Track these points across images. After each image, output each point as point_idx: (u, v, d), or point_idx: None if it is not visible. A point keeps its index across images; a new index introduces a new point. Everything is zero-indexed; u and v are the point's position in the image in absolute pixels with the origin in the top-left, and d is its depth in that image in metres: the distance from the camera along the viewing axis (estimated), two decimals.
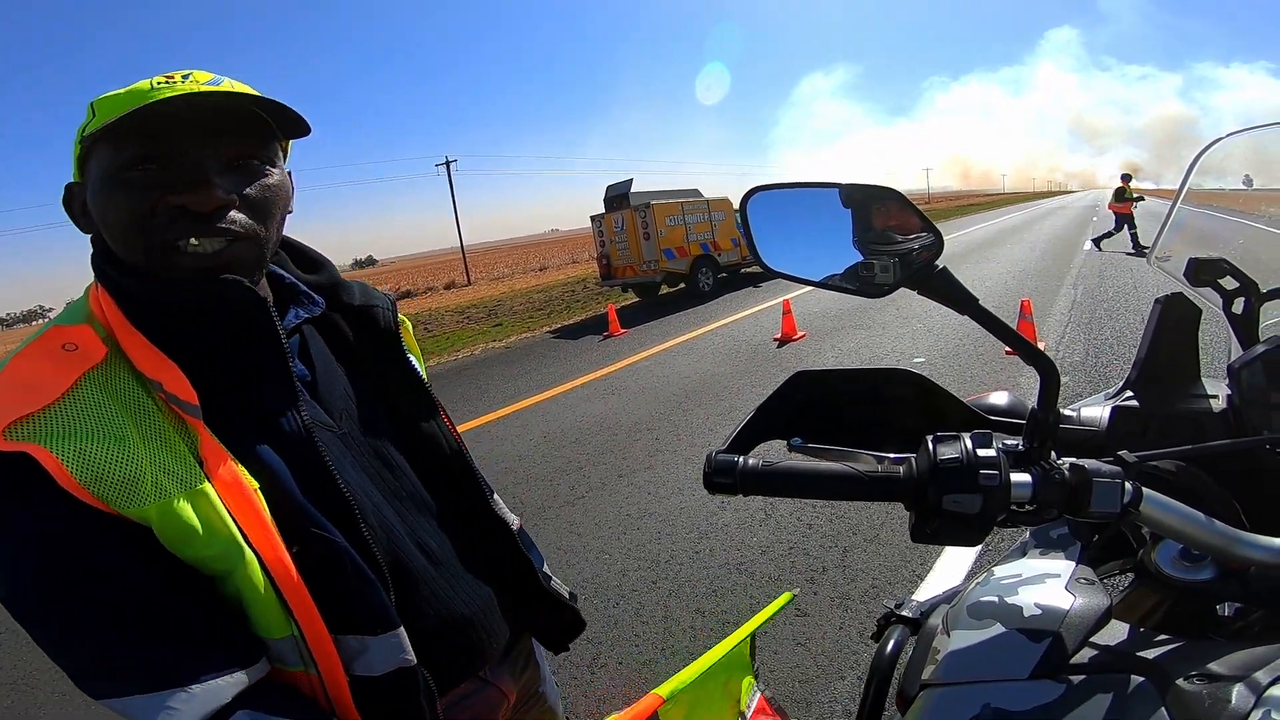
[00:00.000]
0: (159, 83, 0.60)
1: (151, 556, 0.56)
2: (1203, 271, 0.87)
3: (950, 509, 0.52)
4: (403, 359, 0.81)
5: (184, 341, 0.62)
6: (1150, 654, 0.56)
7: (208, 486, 0.57)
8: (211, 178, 0.60)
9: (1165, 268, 0.95)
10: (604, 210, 13.54)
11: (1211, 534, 0.56)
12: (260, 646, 0.60)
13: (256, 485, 0.60)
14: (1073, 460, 0.57)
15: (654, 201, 12.65)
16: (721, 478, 0.59)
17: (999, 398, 0.83)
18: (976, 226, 27.41)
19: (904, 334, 6.84)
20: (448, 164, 39.54)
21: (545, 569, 0.89)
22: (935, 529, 0.54)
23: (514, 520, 0.87)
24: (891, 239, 0.62)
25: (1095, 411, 0.82)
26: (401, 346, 0.82)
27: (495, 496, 0.86)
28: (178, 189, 0.59)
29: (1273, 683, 0.47)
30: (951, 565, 2.61)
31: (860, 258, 0.63)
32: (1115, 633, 0.59)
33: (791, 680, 2.13)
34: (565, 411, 5.79)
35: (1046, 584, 0.63)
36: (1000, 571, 0.67)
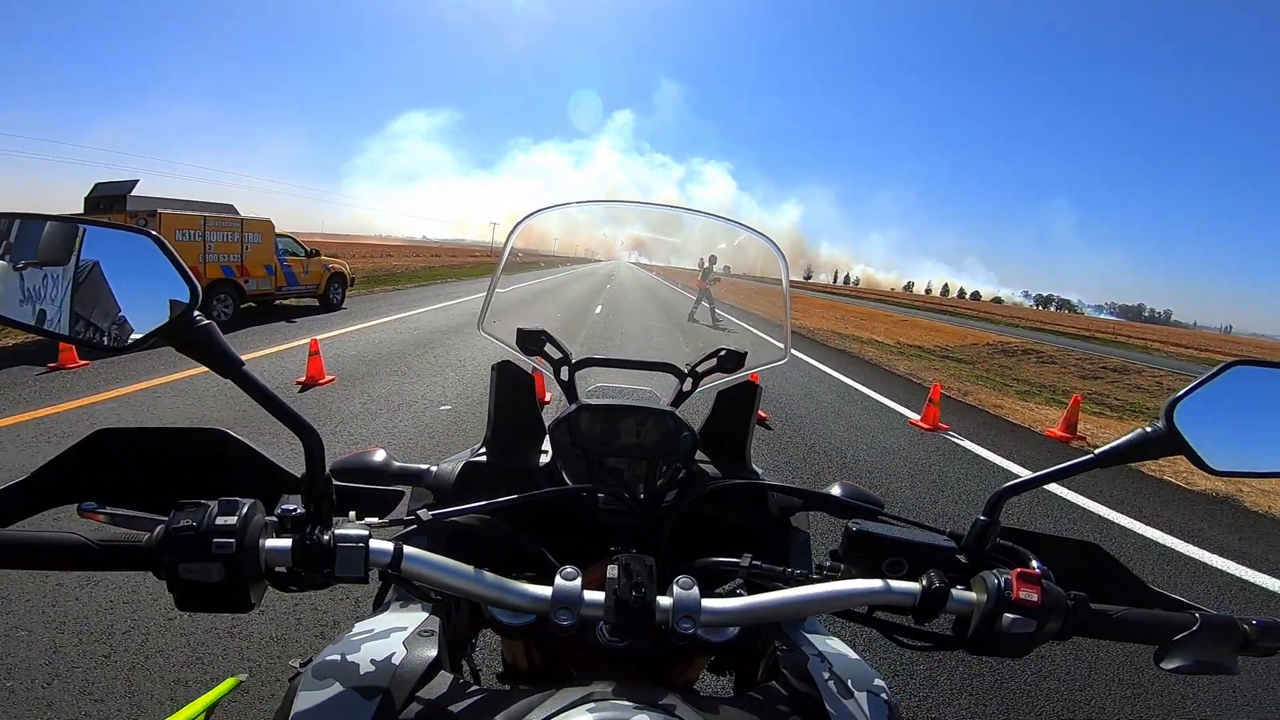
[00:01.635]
0: None
1: None
2: (527, 342, 0.93)
3: (187, 577, 0.51)
4: None
5: None
6: (458, 706, 0.57)
7: None
8: None
9: (495, 336, 1.00)
10: (83, 211, 10.28)
11: (477, 585, 0.59)
12: None
13: None
14: (342, 523, 0.58)
15: (164, 210, 10.32)
16: None
17: (376, 455, 0.85)
18: (528, 284, 30.82)
19: (437, 382, 7.20)
20: None
21: None
22: (183, 597, 0.52)
23: None
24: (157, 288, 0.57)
25: (449, 467, 0.86)
26: None
27: None
28: None
29: None
30: None
31: (131, 307, 0.57)
32: (439, 685, 0.59)
33: None
34: None
35: (390, 639, 0.62)
36: (358, 627, 0.66)
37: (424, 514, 0.65)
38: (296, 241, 13.60)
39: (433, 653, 0.61)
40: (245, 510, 0.54)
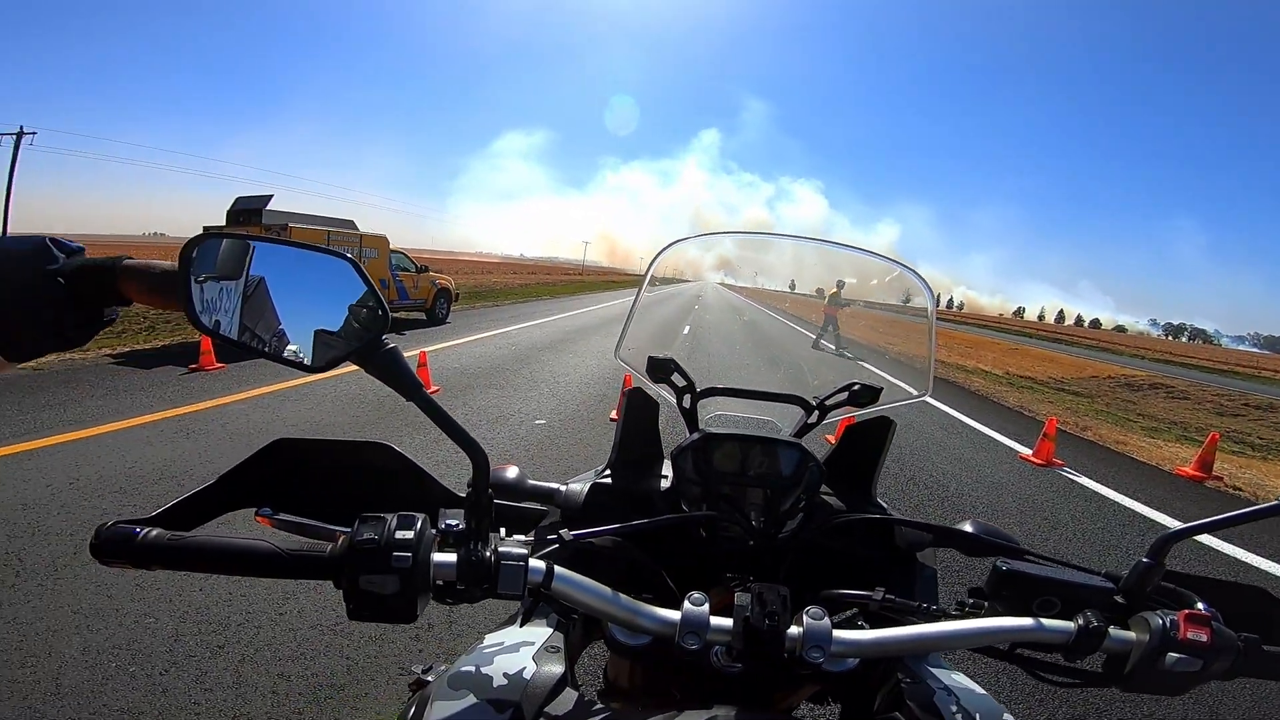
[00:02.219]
0: None
1: None
2: (656, 370, 0.95)
3: (366, 589, 0.53)
4: None
5: None
6: None
7: None
8: None
9: (627, 363, 1.03)
10: (224, 224, 11.45)
11: (615, 608, 0.61)
12: None
13: None
14: (502, 540, 0.60)
15: (293, 224, 11.28)
16: (114, 547, 0.55)
17: (510, 472, 0.88)
18: (613, 302, 31.59)
19: (532, 396, 7.36)
20: (18, 135, 28.48)
21: None
22: (358, 608, 0.54)
23: None
24: (354, 310, 0.60)
25: (578, 487, 0.88)
26: None
27: None
28: None
29: None
30: None
31: (322, 326, 0.61)
32: (566, 702, 0.61)
33: None
34: (112, 454, 4.51)
35: (519, 653, 0.64)
36: (489, 639, 0.68)
37: (565, 534, 0.65)
38: (408, 257, 14.47)
39: (560, 669, 0.62)
40: (419, 525, 0.56)
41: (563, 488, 0.88)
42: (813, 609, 0.62)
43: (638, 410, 0.95)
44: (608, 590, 0.61)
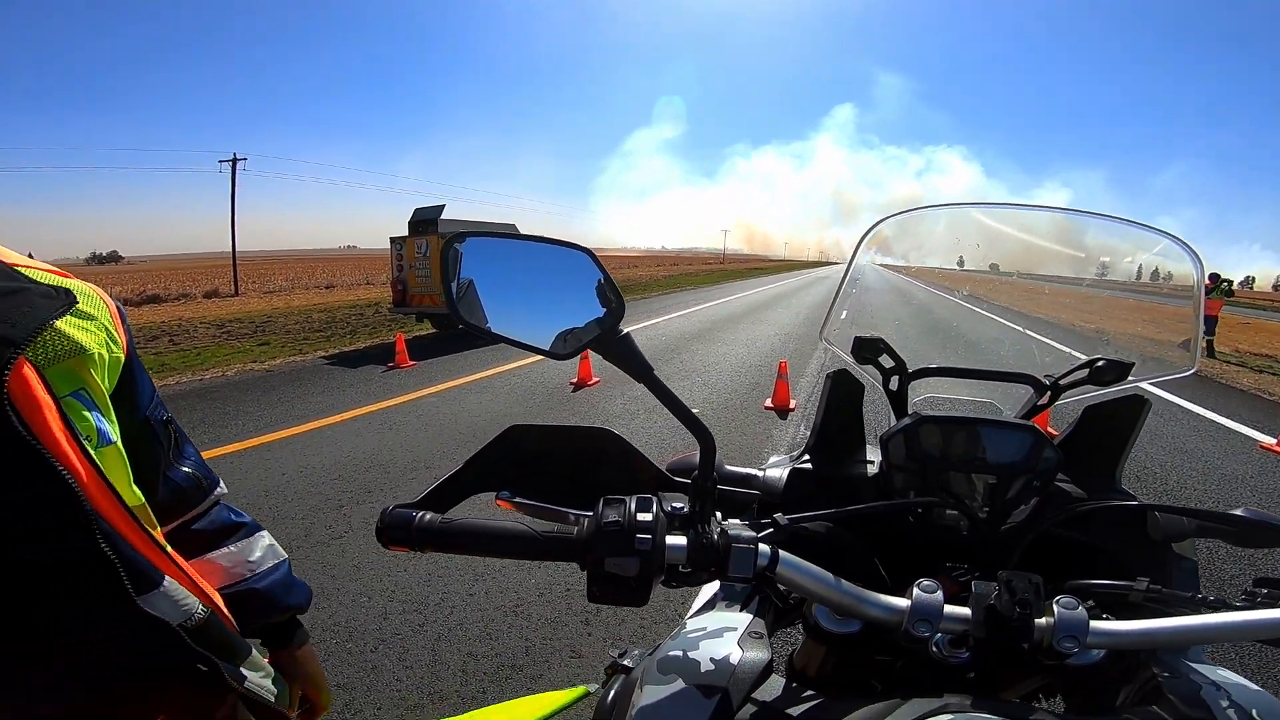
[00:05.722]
0: None
1: None
2: (864, 350, 0.93)
3: (611, 571, 0.54)
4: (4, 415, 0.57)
5: None
6: (796, 710, 0.60)
7: None
8: None
9: (833, 345, 1.02)
10: (407, 234, 12.82)
11: (838, 594, 0.61)
12: None
13: None
14: (725, 524, 0.60)
15: (464, 232, 12.33)
16: (396, 532, 0.59)
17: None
18: (757, 290, 31.08)
19: (684, 386, 7.39)
20: (234, 162, 34.50)
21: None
22: (600, 589, 0.55)
23: None
24: (587, 300, 0.63)
25: (777, 473, 0.87)
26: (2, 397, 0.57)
27: None
28: None
29: None
30: None
31: (561, 317, 0.64)
32: (773, 688, 0.62)
33: None
34: (330, 445, 5.19)
35: (724, 638, 0.64)
36: (691, 624, 0.68)
37: (780, 518, 0.64)
38: None
39: (766, 655, 0.61)
40: (655, 507, 0.57)
41: (759, 473, 0.88)
42: (1064, 598, 0.60)
43: (842, 393, 0.92)
44: (830, 575, 0.61)
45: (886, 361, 0.93)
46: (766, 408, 6.37)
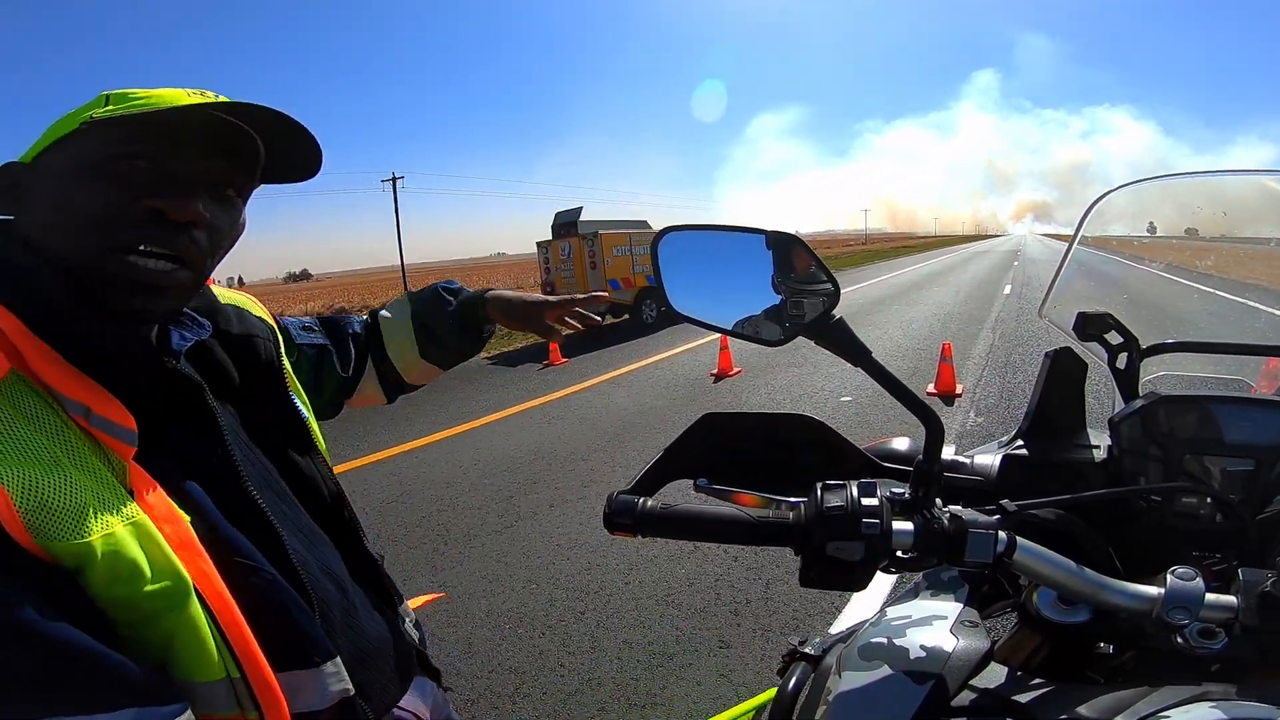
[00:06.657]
0: (191, 93, 0.59)
1: (77, 604, 0.48)
2: (1089, 326, 0.89)
3: (834, 555, 0.54)
4: (284, 396, 0.76)
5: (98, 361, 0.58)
6: (1024, 698, 0.58)
7: (145, 518, 0.52)
8: (201, 190, 0.60)
9: (1055, 321, 0.98)
10: (551, 237, 13.54)
11: (1080, 581, 0.59)
12: (183, 694, 0.52)
13: (188, 518, 0.56)
14: (953, 509, 0.59)
15: (602, 231, 12.70)
16: (621, 518, 0.61)
17: (900, 444, 0.85)
18: (906, 270, 28.91)
19: (834, 373, 7.11)
20: (394, 180, 38.71)
21: (402, 607, 0.87)
22: (819, 574, 0.56)
23: (379, 556, 0.86)
24: (797, 287, 0.64)
25: (987, 459, 0.84)
26: (284, 383, 0.77)
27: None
28: (162, 192, 0.57)
29: None
30: (865, 601, 2.66)
31: (771, 304, 0.65)
32: (994, 676, 0.61)
33: (714, 711, 2.15)
34: (498, 439, 5.70)
35: (933, 626, 0.64)
36: (892, 612, 0.68)
37: (1008, 504, 0.61)
38: None
39: (984, 643, 0.61)
40: (880, 492, 0.56)
41: (967, 460, 0.85)
42: None
43: (1062, 373, 0.87)
44: (1071, 563, 0.59)
45: (1114, 338, 0.89)
46: (931, 394, 5.95)
